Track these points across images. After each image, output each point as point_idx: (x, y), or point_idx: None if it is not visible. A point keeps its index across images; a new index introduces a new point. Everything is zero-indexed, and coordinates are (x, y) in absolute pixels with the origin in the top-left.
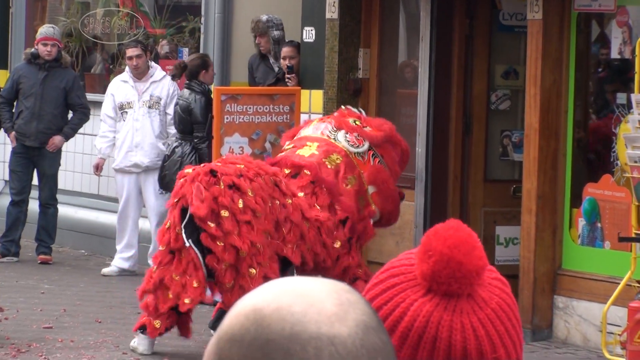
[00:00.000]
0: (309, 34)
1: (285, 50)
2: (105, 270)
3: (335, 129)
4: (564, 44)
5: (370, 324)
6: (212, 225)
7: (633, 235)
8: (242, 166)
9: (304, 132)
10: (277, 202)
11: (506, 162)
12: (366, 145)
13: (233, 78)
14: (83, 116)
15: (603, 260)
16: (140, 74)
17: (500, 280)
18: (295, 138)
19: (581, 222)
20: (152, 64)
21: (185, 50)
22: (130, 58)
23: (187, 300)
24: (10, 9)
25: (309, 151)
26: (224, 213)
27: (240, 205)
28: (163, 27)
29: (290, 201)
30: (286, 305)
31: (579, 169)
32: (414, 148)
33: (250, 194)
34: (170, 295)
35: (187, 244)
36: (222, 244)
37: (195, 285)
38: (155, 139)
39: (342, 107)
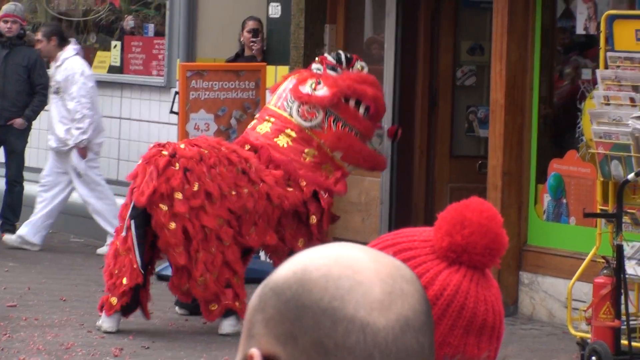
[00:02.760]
0: (274, 10)
1: (250, 23)
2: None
3: (292, 99)
4: (529, 20)
5: (412, 322)
6: (165, 207)
7: (598, 211)
8: (206, 152)
9: (268, 103)
10: (245, 190)
11: (472, 137)
12: (320, 115)
13: (199, 54)
14: (43, 97)
15: (568, 236)
16: (47, 58)
17: None
18: (266, 106)
19: (546, 198)
20: (68, 47)
21: (151, 27)
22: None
23: (124, 281)
24: None
25: (265, 128)
26: (178, 195)
27: (195, 188)
28: (128, 3)
29: (257, 188)
30: (335, 275)
31: (545, 144)
32: (380, 124)
33: (208, 178)
34: (117, 272)
35: (124, 233)
36: (174, 226)
37: (134, 266)
38: (58, 124)
39: (318, 57)
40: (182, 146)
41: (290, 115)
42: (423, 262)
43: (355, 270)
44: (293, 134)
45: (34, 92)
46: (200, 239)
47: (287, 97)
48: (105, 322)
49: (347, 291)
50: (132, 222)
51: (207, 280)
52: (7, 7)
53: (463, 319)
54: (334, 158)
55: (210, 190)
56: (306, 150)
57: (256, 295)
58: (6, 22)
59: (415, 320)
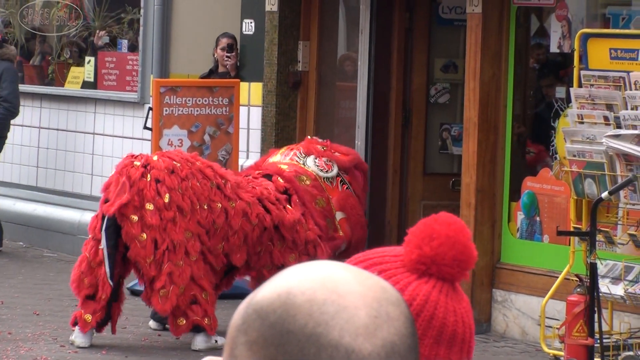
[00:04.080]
0: (248, 27)
1: (224, 40)
2: None
3: (304, 154)
4: (503, 38)
5: (398, 348)
6: (135, 218)
7: (571, 229)
8: (179, 164)
9: (272, 159)
10: (219, 205)
11: (445, 155)
12: (335, 170)
13: (172, 70)
14: (4, 111)
15: (541, 254)
16: None
17: None
18: (271, 161)
19: (520, 216)
20: None
21: (125, 42)
22: None
23: (103, 296)
24: None
25: (282, 167)
26: (149, 206)
27: (166, 199)
28: (102, 19)
29: (233, 205)
30: (320, 300)
31: (518, 162)
32: (354, 141)
33: (179, 191)
34: (87, 284)
35: (102, 246)
36: (145, 237)
37: (105, 278)
38: None
39: (308, 136)
40: (155, 158)
41: (305, 164)
42: (393, 275)
43: (341, 294)
44: (308, 181)
45: None
46: (165, 250)
47: (297, 153)
48: (78, 337)
49: (331, 316)
50: (104, 233)
51: (169, 293)
52: None
53: (433, 329)
54: (335, 218)
55: (179, 203)
56: (318, 198)
57: (239, 315)
58: None
59: (401, 345)
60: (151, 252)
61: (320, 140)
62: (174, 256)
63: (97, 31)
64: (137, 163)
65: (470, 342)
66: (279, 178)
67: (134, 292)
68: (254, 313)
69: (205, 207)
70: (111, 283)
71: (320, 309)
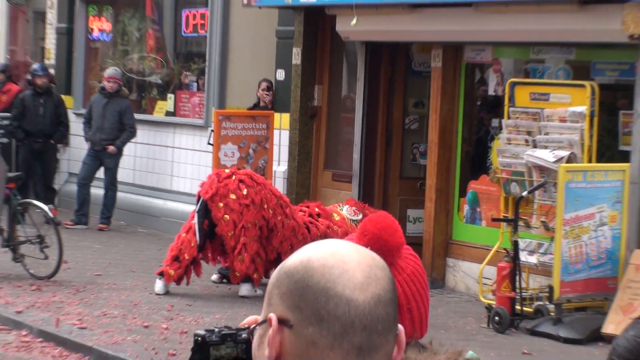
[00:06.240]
0: (280, 74)
1: (263, 84)
2: None
3: (343, 204)
4: (456, 84)
5: (383, 299)
6: (221, 205)
7: (501, 217)
8: (255, 177)
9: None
10: (279, 218)
11: (415, 165)
12: (361, 216)
13: (228, 103)
14: (130, 134)
15: (481, 234)
16: None
17: (414, 255)
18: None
19: (466, 207)
20: None
21: (194, 84)
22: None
23: (186, 256)
24: (73, 53)
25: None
26: (232, 196)
27: (245, 192)
28: (179, 67)
29: (288, 221)
30: (330, 265)
31: (465, 170)
32: (352, 155)
33: (254, 190)
34: (176, 249)
35: (194, 221)
36: (228, 218)
37: (192, 244)
38: None
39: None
40: (240, 170)
41: (341, 210)
42: None
43: (345, 261)
44: (337, 217)
45: (124, 129)
46: (242, 228)
47: (339, 205)
48: (157, 286)
49: (337, 276)
50: (196, 214)
51: (244, 258)
52: (110, 72)
53: None
54: None
55: (253, 197)
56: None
57: (274, 276)
58: (109, 81)
59: (385, 297)
60: (231, 228)
61: (359, 203)
62: (249, 233)
63: (184, 73)
64: (227, 170)
65: (408, 303)
66: (315, 208)
67: None
68: (284, 274)
69: (271, 211)
70: (198, 248)
71: (330, 271)
